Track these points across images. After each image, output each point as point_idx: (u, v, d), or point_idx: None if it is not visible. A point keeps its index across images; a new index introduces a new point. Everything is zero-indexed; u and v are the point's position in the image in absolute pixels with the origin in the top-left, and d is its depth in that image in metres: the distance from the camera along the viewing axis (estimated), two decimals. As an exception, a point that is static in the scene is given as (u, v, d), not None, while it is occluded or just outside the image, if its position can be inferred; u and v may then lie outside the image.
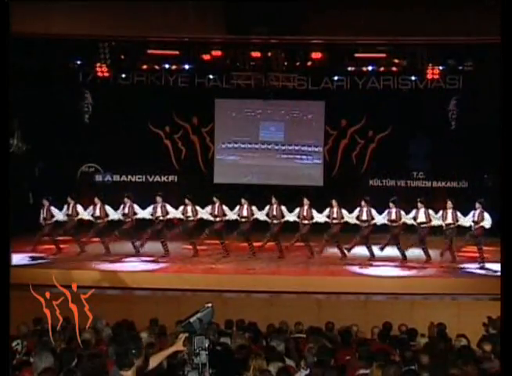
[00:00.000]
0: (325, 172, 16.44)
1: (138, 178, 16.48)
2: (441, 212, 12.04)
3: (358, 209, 12.30)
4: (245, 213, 12.44)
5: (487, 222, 11.73)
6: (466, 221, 11.92)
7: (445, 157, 15.63)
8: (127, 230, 12.53)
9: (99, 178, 16.55)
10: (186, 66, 15.55)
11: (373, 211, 12.24)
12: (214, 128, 16.51)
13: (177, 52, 14.66)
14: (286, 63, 14.97)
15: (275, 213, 12.42)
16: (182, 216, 12.44)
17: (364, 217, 12.23)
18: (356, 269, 11.91)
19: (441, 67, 14.99)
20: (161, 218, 12.43)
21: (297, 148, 16.50)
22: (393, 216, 12.19)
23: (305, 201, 12.37)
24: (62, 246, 12.84)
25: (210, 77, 16.06)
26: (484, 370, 5.90)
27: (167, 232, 12.56)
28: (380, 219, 12.24)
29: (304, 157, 16.50)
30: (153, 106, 15.86)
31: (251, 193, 13.25)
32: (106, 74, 15.45)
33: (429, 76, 15.17)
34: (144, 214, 12.51)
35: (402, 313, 9.76)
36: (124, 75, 15.87)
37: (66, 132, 15.53)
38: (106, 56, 14.53)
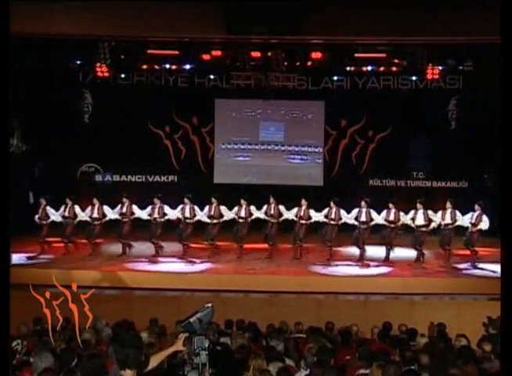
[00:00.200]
0: (325, 172, 16.43)
1: (138, 178, 16.48)
2: (440, 212, 12.06)
3: (357, 210, 12.30)
4: (243, 214, 12.44)
5: (484, 224, 11.74)
6: (464, 221, 11.93)
7: (445, 157, 15.63)
8: (126, 231, 12.54)
9: (98, 178, 16.55)
10: (186, 66, 15.53)
11: (373, 213, 12.23)
12: (214, 128, 16.50)
13: (177, 52, 14.64)
14: (286, 63, 14.95)
15: (272, 212, 12.43)
16: (180, 216, 12.43)
17: (363, 218, 12.24)
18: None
19: (441, 67, 14.97)
20: (158, 219, 12.42)
21: (297, 148, 16.49)
22: (391, 217, 12.20)
23: (303, 202, 12.39)
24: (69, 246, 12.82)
25: (211, 77, 16.04)
26: (484, 370, 5.90)
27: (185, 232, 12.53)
28: (379, 220, 12.24)
29: (304, 157, 16.49)
30: (153, 106, 15.86)
31: (251, 193, 13.27)
32: (106, 74, 15.43)
33: (429, 76, 15.16)
34: (142, 214, 12.50)
35: (402, 313, 9.77)
36: (124, 75, 15.86)
37: (66, 132, 15.52)
38: (106, 56, 14.51)
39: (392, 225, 12.20)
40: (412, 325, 8.38)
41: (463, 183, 15.92)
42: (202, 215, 12.40)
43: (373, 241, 12.60)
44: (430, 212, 12.08)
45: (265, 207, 12.54)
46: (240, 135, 16.55)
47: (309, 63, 14.87)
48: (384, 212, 12.26)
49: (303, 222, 12.39)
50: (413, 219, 12.11)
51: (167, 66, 15.49)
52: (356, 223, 12.28)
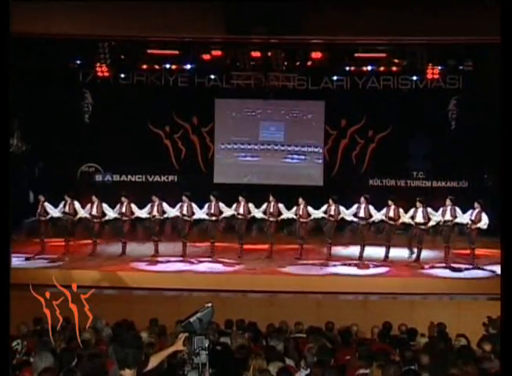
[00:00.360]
0: (325, 172, 16.43)
1: (138, 178, 16.48)
2: (440, 209, 12.07)
3: (356, 206, 12.32)
4: (242, 211, 12.45)
5: (484, 222, 11.75)
6: (464, 218, 11.94)
7: (445, 157, 15.63)
8: (125, 230, 12.55)
9: (99, 178, 16.55)
10: (186, 66, 15.52)
11: (372, 209, 12.24)
12: (214, 127, 16.50)
13: (177, 52, 14.64)
14: (286, 63, 14.97)
15: (272, 210, 12.43)
16: (179, 214, 12.43)
17: (362, 214, 12.25)
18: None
19: (441, 67, 14.99)
20: (157, 217, 12.43)
21: (297, 148, 16.49)
22: (391, 213, 12.20)
23: (300, 201, 12.39)
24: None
25: (211, 77, 16.04)
26: (484, 370, 5.90)
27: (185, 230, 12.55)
28: (378, 217, 12.25)
29: (304, 156, 16.49)
30: (153, 106, 15.86)
31: (251, 193, 13.26)
32: (106, 74, 15.44)
33: (429, 76, 15.17)
34: (141, 213, 12.50)
35: (402, 313, 9.76)
36: (124, 75, 15.86)
37: (66, 132, 15.52)
38: (106, 55, 14.52)
39: (392, 222, 12.21)
40: (412, 325, 8.38)
41: (463, 183, 15.92)
42: (201, 213, 12.39)
43: (373, 242, 12.60)
44: (429, 210, 12.09)
45: (264, 205, 12.53)
46: (240, 134, 16.55)
47: (309, 63, 14.88)
48: (384, 209, 12.27)
49: (302, 220, 12.39)
50: (413, 217, 12.12)
51: (167, 66, 15.49)
52: (355, 219, 12.29)
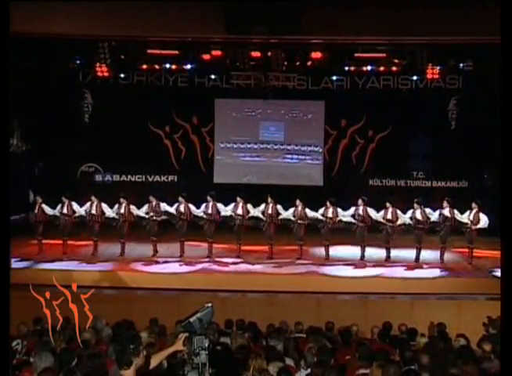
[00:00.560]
0: (325, 172, 16.44)
1: (138, 178, 16.48)
2: (438, 210, 12.07)
3: (354, 208, 12.31)
4: (240, 211, 12.44)
5: (483, 222, 11.76)
6: (462, 218, 11.95)
7: (444, 157, 15.65)
8: (125, 231, 12.55)
9: (98, 178, 16.55)
10: (186, 66, 15.53)
11: (370, 210, 12.24)
12: (213, 127, 16.51)
13: (177, 52, 14.66)
14: (286, 63, 14.97)
15: (270, 211, 12.42)
16: (175, 214, 12.41)
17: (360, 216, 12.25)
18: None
19: (441, 67, 15.00)
20: (155, 216, 12.43)
21: (296, 148, 16.50)
22: (389, 215, 12.20)
23: (298, 202, 12.39)
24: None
25: (211, 77, 16.06)
26: (484, 370, 5.90)
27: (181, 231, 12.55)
28: (376, 218, 12.25)
29: (304, 156, 16.50)
30: (153, 106, 15.87)
31: (251, 193, 13.26)
32: (106, 74, 15.45)
33: (429, 76, 15.18)
34: (139, 213, 12.48)
35: (402, 313, 9.76)
36: (124, 75, 15.88)
37: (66, 132, 15.54)
38: (106, 55, 14.53)
39: (391, 224, 12.21)
40: (412, 325, 8.38)
41: (463, 183, 15.94)
42: (197, 213, 12.38)
43: (373, 243, 12.62)
44: (427, 210, 12.10)
45: (262, 206, 12.52)
46: (240, 134, 16.55)
47: (309, 63, 14.89)
48: (382, 211, 12.26)
49: (300, 221, 12.38)
50: (411, 218, 12.12)
51: (167, 66, 15.49)
52: (353, 221, 12.28)
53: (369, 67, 15.22)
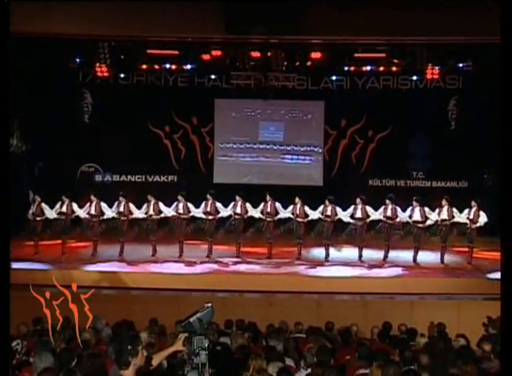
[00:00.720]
0: (324, 172, 16.44)
1: (138, 178, 16.47)
2: (437, 209, 12.07)
3: (352, 207, 12.31)
4: (239, 210, 12.43)
5: (482, 219, 11.76)
6: (461, 217, 11.95)
7: (444, 157, 15.63)
8: (123, 230, 12.54)
9: (98, 178, 16.54)
10: (186, 66, 15.52)
11: (368, 209, 12.23)
12: (213, 128, 16.50)
13: (177, 52, 14.65)
14: (285, 63, 14.96)
15: (269, 210, 12.41)
16: (174, 213, 12.41)
17: (359, 215, 12.24)
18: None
19: (440, 67, 14.99)
20: (154, 216, 12.42)
21: (296, 148, 16.50)
22: (389, 213, 12.19)
23: (297, 200, 12.37)
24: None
25: (210, 77, 16.05)
26: (484, 370, 5.90)
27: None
28: (375, 217, 12.23)
29: (303, 156, 16.49)
30: (153, 106, 15.87)
31: (251, 193, 13.26)
32: (106, 74, 15.44)
33: (429, 76, 15.18)
34: (138, 213, 12.47)
35: (402, 313, 9.77)
36: (123, 75, 15.86)
37: (65, 132, 15.52)
38: (106, 55, 14.52)
39: (390, 221, 12.20)
40: (412, 325, 8.39)
41: (463, 183, 15.93)
42: (197, 212, 12.37)
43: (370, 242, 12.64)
44: (426, 209, 12.10)
45: (261, 205, 12.51)
46: (240, 134, 16.55)
47: (309, 63, 14.88)
48: (381, 209, 12.26)
49: (299, 220, 12.37)
50: (410, 216, 12.12)
51: (167, 66, 15.48)
52: (352, 221, 12.28)
53: (368, 67, 15.21)
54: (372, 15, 11.05)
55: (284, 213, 12.45)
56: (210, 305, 4.38)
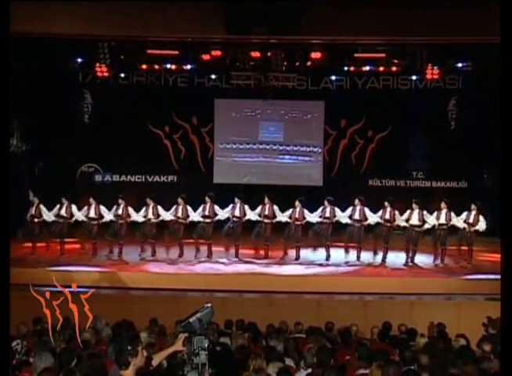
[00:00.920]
0: (324, 172, 16.43)
1: (138, 178, 16.47)
2: (435, 213, 12.06)
3: (351, 208, 12.29)
4: (237, 213, 12.41)
5: (482, 224, 11.76)
6: (459, 221, 11.93)
7: (444, 157, 15.63)
8: (122, 233, 12.53)
9: (98, 178, 16.54)
10: (186, 66, 15.52)
11: (367, 211, 12.22)
12: (213, 128, 16.50)
13: (176, 52, 14.64)
14: (285, 63, 14.96)
15: (267, 212, 12.39)
16: (173, 218, 12.41)
17: (357, 216, 12.23)
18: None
19: (440, 67, 14.99)
20: (153, 219, 12.40)
21: (296, 148, 16.49)
22: (387, 215, 12.18)
23: (297, 203, 12.35)
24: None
25: (210, 77, 16.05)
26: (484, 370, 5.90)
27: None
28: (373, 219, 12.22)
29: (303, 157, 16.49)
30: (153, 106, 15.87)
31: (250, 193, 13.25)
32: (106, 74, 15.44)
33: (428, 76, 15.18)
34: (137, 216, 12.46)
35: (402, 313, 9.77)
36: (123, 75, 15.86)
37: (65, 132, 15.52)
38: (106, 56, 14.52)
39: (388, 224, 12.19)
40: (412, 325, 8.39)
41: (463, 183, 15.93)
42: (195, 215, 12.36)
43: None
44: (425, 212, 12.09)
45: (259, 207, 12.49)
46: (240, 135, 16.55)
47: (309, 63, 14.87)
48: (380, 211, 12.25)
49: (298, 223, 12.36)
50: (408, 219, 12.11)
51: (167, 66, 15.47)
52: (350, 222, 12.27)
53: (368, 67, 15.20)
54: (372, 15, 11.05)
55: (282, 216, 12.42)
56: (210, 305, 4.38)
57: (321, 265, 12.17)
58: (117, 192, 13.13)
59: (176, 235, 12.53)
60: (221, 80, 16.06)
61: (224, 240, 12.71)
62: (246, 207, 12.46)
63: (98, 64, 15.05)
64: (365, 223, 12.28)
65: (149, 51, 14.54)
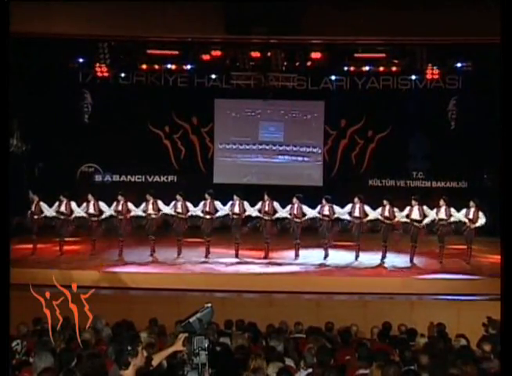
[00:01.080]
0: (324, 172, 16.44)
1: (138, 178, 16.47)
2: (435, 209, 12.05)
3: (350, 205, 12.28)
4: (237, 210, 12.41)
5: (481, 220, 11.76)
6: (459, 216, 11.92)
7: (444, 157, 15.64)
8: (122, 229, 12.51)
9: (98, 178, 16.55)
10: (186, 67, 15.54)
11: (366, 208, 12.21)
12: (213, 128, 16.51)
13: (176, 52, 14.66)
14: (285, 63, 14.98)
15: (266, 209, 12.37)
16: (173, 213, 12.38)
17: (357, 213, 12.23)
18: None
19: (440, 67, 15.00)
20: (153, 215, 12.39)
21: (296, 148, 16.51)
22: (386, 213, 12.18)
23: (294, 200, 12.32)
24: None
25: (210, 77, 16.06)
26: (484, 370, 5.90)
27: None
28: (373, 216, 12.21)
29: (303, 157, 16.50)
30: (153, 106, 15.89)
31: (250, 194, 13.23)
32: (106, 74, 15.46)
33: (428, 76, 15.20)
34: (137, 211, 12.43)
35: (402, 313, 9.76)
36: (123, 75, 15.88)
37: (65, 132, 15.52)
38: (106, 55, 14.55)
39: (388, 222, 12.18)
40: (412, 325, 8.39)
41: (463, 183, 15.94)
42: (195, 211, 12.35)
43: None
44: (425, 208, 12.07)
45: (259, 204, 12.46)
46: (240, 135, 16.56)
47: (309, 63, 14.89)
48: (379, 209, 12.24)
49: (297, 220, 12.35)
50: (408, 215, 12.09)
51: (167, 66, 15.49)
52: (349, 218, 12.26)
53: (368, 67, 15.22)
54: (372, 15, 11.05)
55: (282, 212, 12.42)
56: (210, 305, 4.38)
57: (320, 264, 12.16)
58: (117, 192, 13.09)
59: (177, 232, 12.52)
60: (221, 80, 16.07)
61: (251, 239, 12.72)
62: (246, 203, 12.43)
63: (98, 64, 15.07)
64: (365, 220, 12.25)
65: (149, 51, 14.56)
